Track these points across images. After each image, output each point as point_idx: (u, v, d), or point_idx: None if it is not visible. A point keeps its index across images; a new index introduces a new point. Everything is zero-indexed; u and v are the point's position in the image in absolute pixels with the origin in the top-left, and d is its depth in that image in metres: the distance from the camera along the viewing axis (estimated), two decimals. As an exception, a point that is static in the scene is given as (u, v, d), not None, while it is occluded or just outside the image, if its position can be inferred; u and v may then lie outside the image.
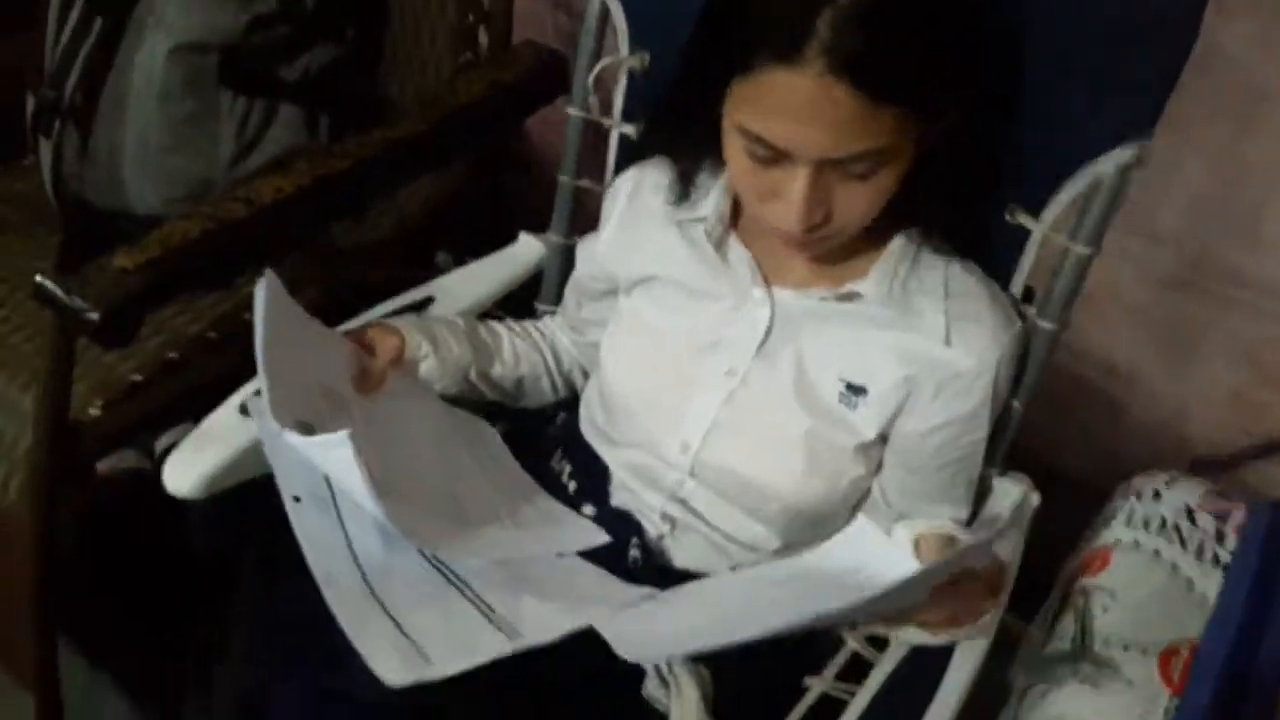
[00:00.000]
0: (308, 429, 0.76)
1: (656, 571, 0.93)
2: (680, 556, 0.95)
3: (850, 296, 0.86)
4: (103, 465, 1.17)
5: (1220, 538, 0.81)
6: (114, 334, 0.94)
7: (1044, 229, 0.90)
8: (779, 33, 0.70)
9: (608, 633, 0.80)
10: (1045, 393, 0.94)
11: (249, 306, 1.21)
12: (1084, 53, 0.86)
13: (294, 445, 0.75)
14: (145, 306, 0.96)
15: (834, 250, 0.85)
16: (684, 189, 0.91)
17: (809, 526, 0.91)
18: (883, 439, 0.89)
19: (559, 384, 1.10)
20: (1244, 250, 1.16)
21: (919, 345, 0.85)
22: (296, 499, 0.83)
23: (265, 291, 0.82)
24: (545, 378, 1.08)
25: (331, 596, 0.79)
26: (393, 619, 0.78)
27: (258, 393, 0.82)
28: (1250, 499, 0.84)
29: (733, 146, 0.78)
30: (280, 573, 0.86)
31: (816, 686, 0.87)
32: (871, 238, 0.85)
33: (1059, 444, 1.00)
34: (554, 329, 1.10)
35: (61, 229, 1.34)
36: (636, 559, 0.93)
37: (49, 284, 0.95)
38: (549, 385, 1.09)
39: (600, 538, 0.93)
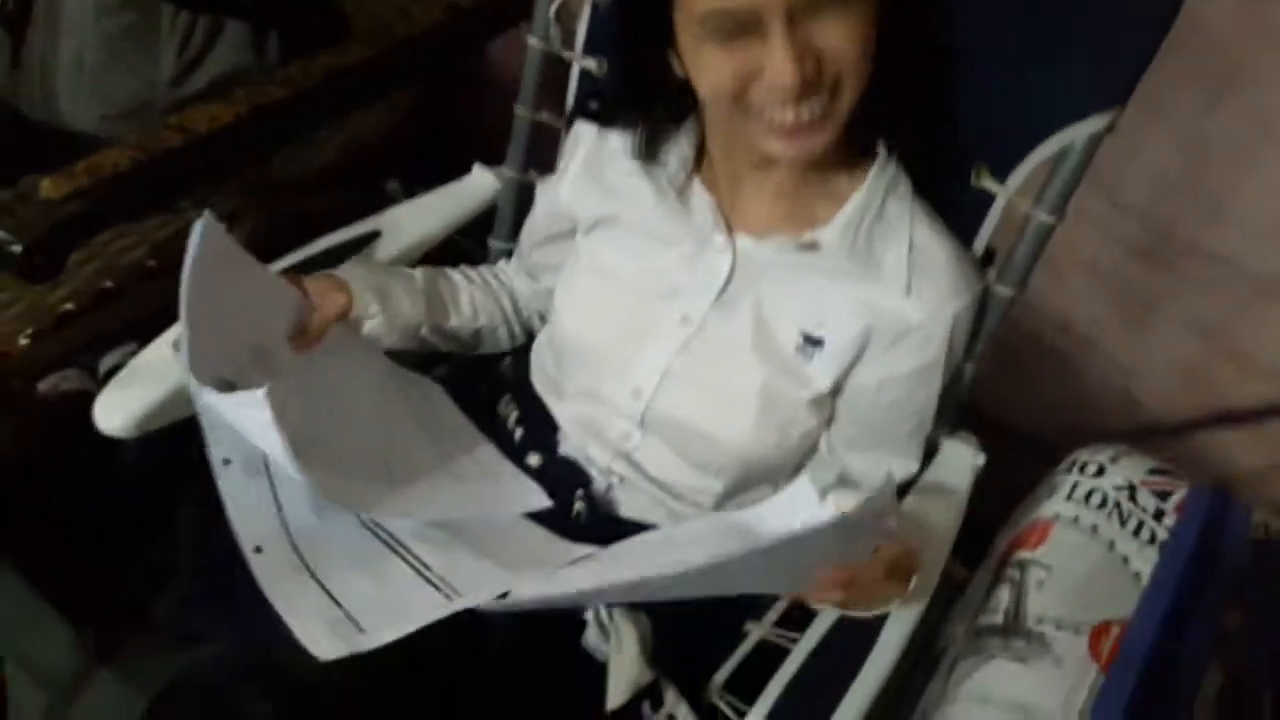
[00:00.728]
0: (228, 386, 0.73)
1: (602, 522, 0.93)
2: (626, 507, 0.94)
3: (811, 246, 0.84)
4: (44, 385, 1.14)
5: (1159, 516, 0.81)
6: (39, 267, 0.90)
7: (1009, 194, 0.88)
8: None
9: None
10: (998, 348, 0.93)
11: (188, 234, 1.17)
12: (1068, 21, 0.83)
13: (208, 403, 0.72)
14: (72, 239, 0.92)
15: (795, 179, 0.83)
16: (651, 152, 0.88)
17: (755, 478, 0.90)
18: (835, 391, 0.88)
19: (517, 332, 1.08)
20: (1206, 224, 1.14)
21: (878, 296, 0.83)
22: (226, 461, 0.81)
23: (200, 233, 0.77)
24: (503, 327, 1.06)
25: (259, 567, 0.77)
26: (324, 588, 0.76)
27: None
28: (1193, 474, 0.84)
29: (701, 55, 0.75)
30: (217, 519, 0.84)
31: (756, 632, 0.87)
32: (834, 175, 0.84)
33: (1009, 399, 0.99)
34: (510, 274, 1.08)
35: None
36: (581, 511, 0.93)
37: (-31, 212, 0.91)
38: (506, 334, 1.07)
39: (541, 501, 0.92)
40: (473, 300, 1.04)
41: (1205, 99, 1.09)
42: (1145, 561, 0.77)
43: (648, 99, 0.85)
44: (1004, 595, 0.78)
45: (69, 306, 1.10)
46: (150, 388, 0.91)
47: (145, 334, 0.94)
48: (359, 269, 0.99)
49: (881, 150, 0.84)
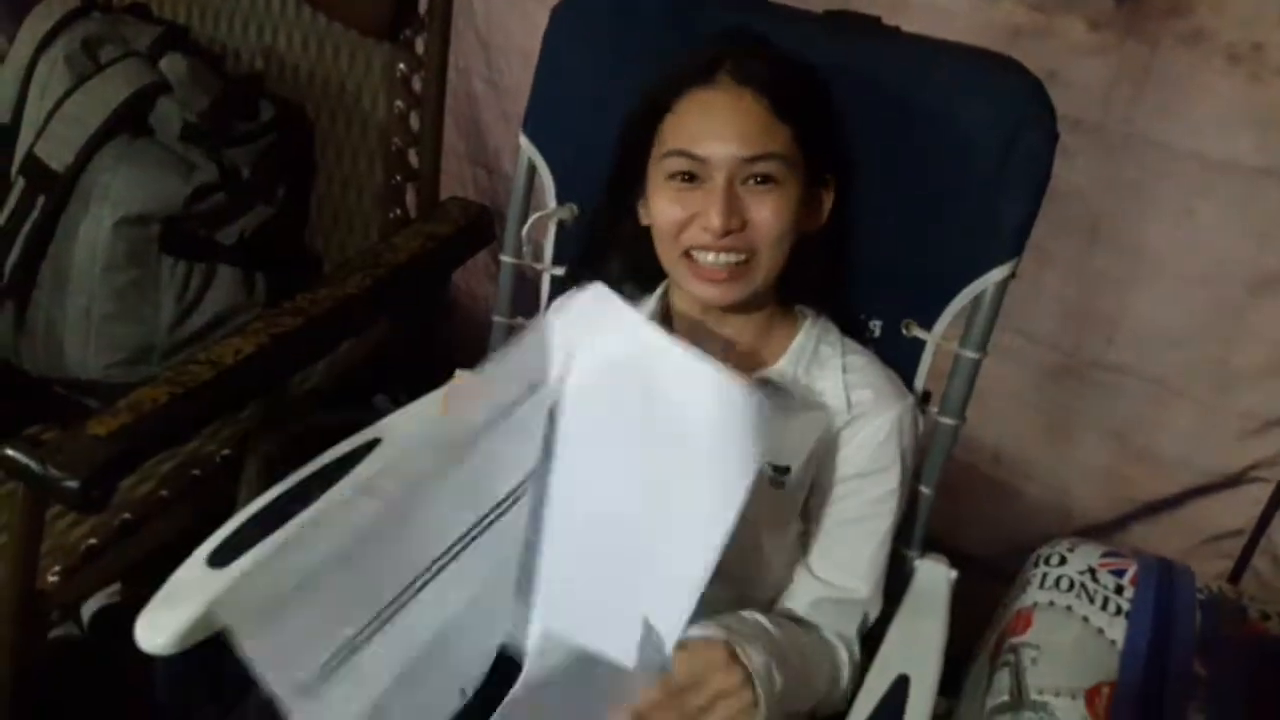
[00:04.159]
0: None
1: None
2: None
3: (764, 382, 0.97)
4: None
5: (1120, 590, 0.93)
6: (93, 500, 0.97)
7: (936, 339, 1.03)
8: (696, 69, 0.91)
9: None
10: (944, 484, 1.05)
11: (195, 463, 1.25)
12: (957, 190, 1.01)
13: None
14: (121, 471, 1.00)
15: (746, 333, 0.97)
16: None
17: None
18: (804, 514, 0.98)
19: None
20: (1103, 344, 1.34)
21: (825, 418, 0.96)
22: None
23: None
24: None
25: None
26: None
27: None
28: (1136, 556, 0.98)
29: (659, 197, 0.92)
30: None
31: None
32: (774, 329, 0.98)
33: (959, 530, 1.12)
34: None
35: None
36: None
37: (19, 455, 0.98)
38: None
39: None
40: None
41: (1084, 242, 1.31)
42: (1117, 630, 0.90)
43: (619, 247, 1.00)
44: (1005, 678, 0.88)
45: (92, 541, 1.16)
46: (188, 605, 0.93)
47: (162, 565, 1.00)
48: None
49: (809, 311, 1.00)
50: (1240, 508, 1.37)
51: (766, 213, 0.89)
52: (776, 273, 0.93)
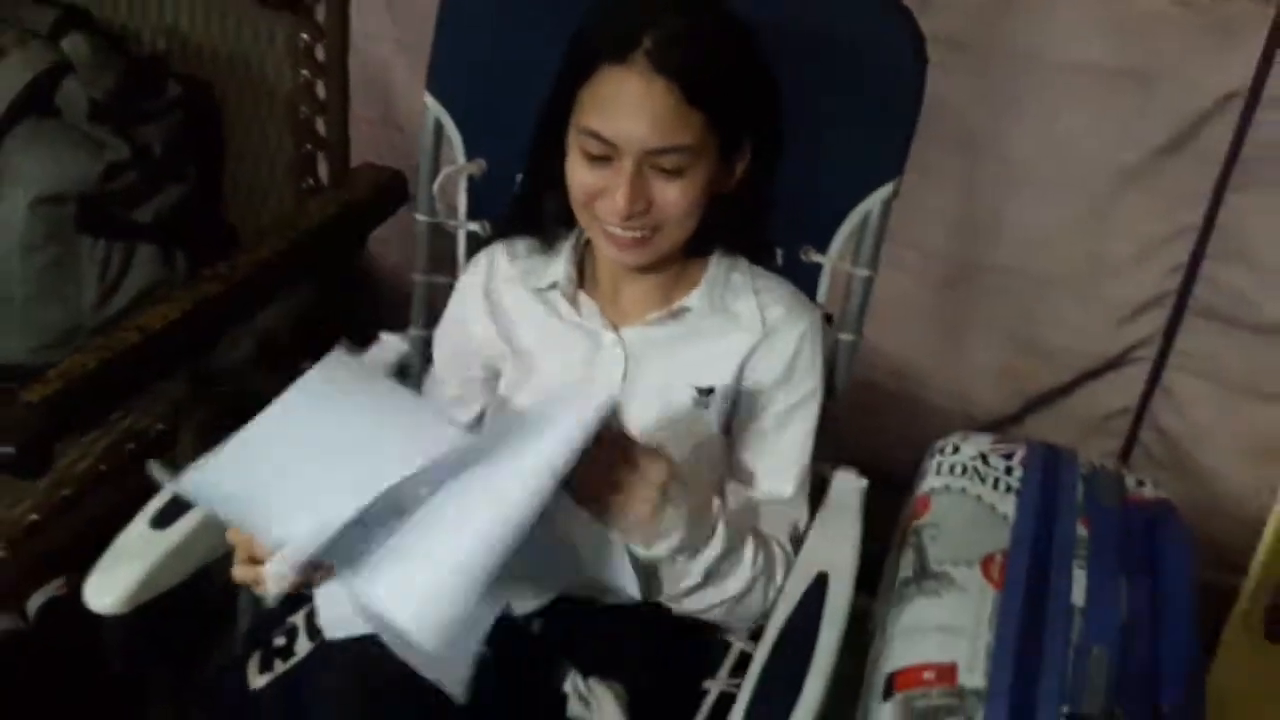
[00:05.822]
0: None
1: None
2: None
3: (679, 313, 1.03)
4: None
5: (1009, 471, 1.02)
6: (29, 464, 0.99)
7: (832, 260, 1.10)
8: (613, 41, 0.90)
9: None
10: (849, 402, 1.12)
11: (130, 438, 1.28)
12: (836, 118, 1.08)
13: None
14: (54, 436, 1.02)
15: (661, 278, 1.03)
16: (547, 245, 1.07)
17: None
18: (727, 431, 1.04)
19: None
20: (990, 248, 1.44)
21: (744, 338, 1.02)
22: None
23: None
24: None
25: None
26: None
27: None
28: (1024, 441, 1.07)
29: (573, 159, 0.95)
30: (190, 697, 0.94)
31: (714, 687, 1.00)
32: (688, 268, 1.04)
33: (866, 445, 1.19)
34: None
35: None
36: None
37: (-48, 426, 1.00)
38: None
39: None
40: None
41: (965, 155, 1.40)
42: (1008, 505, 0.98)
43: (543, 204, 1.03)
44: (909, 556, 0.96)
45: (34, 517, 1.18)
46: (134, 565, 0.97)
47: (105, 535, 1.03)
48: None
49: (717, 250, 1.05)
50: (1124, 388, 1.49)
51: (673, 195, 0.94)
52: (685, 239, 0.98)
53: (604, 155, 0.93)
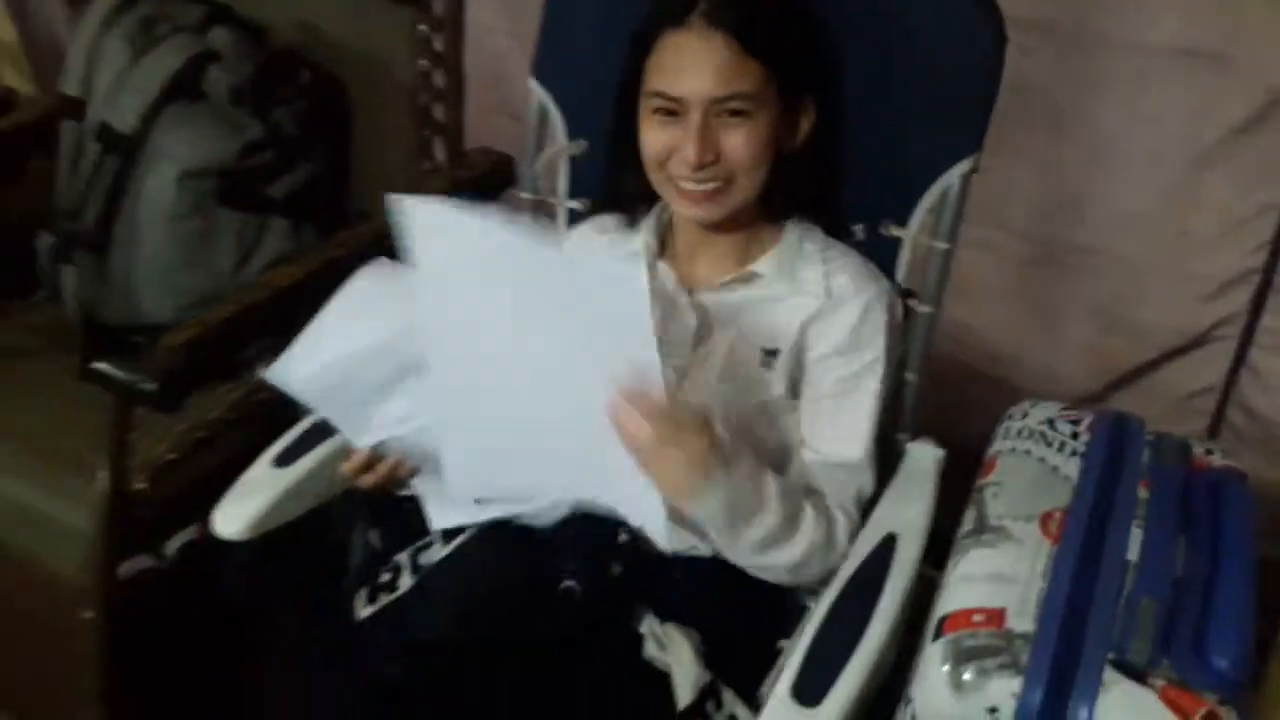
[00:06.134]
0: None
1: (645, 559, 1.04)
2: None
3: (750, 277, 1.09)
4: (121, 569, 1.29)
5: (1075, 436, 1.03)
6: (169, 399, 1.12)
7: (911, 235, 1.14)
8: (670, 10, 1.00)
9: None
10: (937, 382, 1.16)
11: (260, 390, 1.39)
12: (915, 94, 1.12)
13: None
14: (191, 375, 1.14)
15: (735, 240, 1.09)
16: (631, 219, 1.15)
17: None
18: (794, 393, 1.08)
19: None
20: (1076, 228, 1.46)
21: (809, 303, 1.07)
22: None
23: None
24: None
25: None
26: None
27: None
28: (1093, 409, 1.09)
29: (645, 125, 1.03)
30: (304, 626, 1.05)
31: (789, 646, 1.00)
32: (762, 235, 1.10)
33: (957, 429, 1.20)
34: None
35: (80, 349, 1.48)
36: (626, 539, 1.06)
37: (105, 367, 1.13)
38: None
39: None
40: None
41: (1051, 135, 1.42)
42: (1071, 467, 1.00)
43: (624, 181, 1.11)
44: (971, 513, 0.99)
45: (173, 456, 1.31)
46: (259, 497, 1.08)
47: (235, 474, 1.14)
48: None
49: (792, 220, 1.10)
50: (1210, 364, 1.48)
51: (738, 142, 1.01)
52: (755, 192, 1.05)
53: (671, 111, 1.00)
